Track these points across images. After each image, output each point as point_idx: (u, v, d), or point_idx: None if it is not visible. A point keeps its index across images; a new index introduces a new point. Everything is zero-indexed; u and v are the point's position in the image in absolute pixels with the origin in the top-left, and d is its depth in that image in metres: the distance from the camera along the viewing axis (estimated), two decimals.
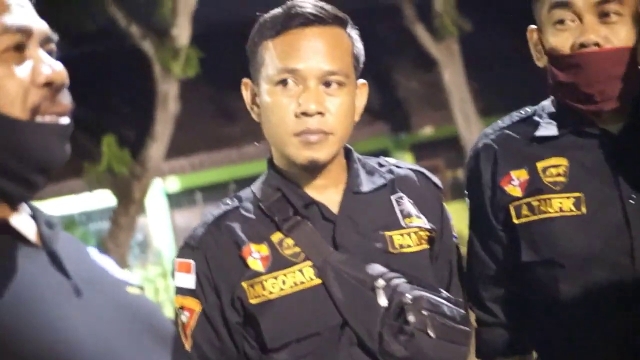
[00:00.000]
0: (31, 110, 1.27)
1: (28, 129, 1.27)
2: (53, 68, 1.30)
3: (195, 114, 13.62)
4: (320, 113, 1.87)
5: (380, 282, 1.87)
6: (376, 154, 2.30)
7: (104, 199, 11.85)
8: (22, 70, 1.28)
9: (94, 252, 1.44)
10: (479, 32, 13.77)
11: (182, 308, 1.94)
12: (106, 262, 1.44)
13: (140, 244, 14.34)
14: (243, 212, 1.95)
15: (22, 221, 1.32)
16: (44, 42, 1.33)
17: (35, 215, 1.36)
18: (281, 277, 1.89)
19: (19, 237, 1.29)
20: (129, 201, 10.77)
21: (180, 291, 1.94)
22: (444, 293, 1.93)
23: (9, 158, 1.27)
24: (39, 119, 1.28)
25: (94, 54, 14.13)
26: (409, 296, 1.86)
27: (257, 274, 1.89)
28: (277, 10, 1.94)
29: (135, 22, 10.76)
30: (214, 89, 14.12)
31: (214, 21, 13.21)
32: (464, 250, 2.15)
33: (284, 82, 1.89)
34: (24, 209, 1.35)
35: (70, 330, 1.25)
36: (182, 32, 10.61)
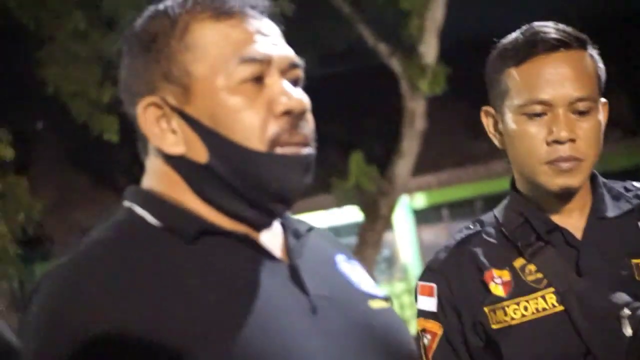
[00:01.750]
0: (270, 142, 1.29)
1: (267, 160, 1.29)
2: (292, 97, 1.31)
3: (442, 130, 13.59)
4: (571, 140, 1.84)
5: (626, 312, 1.81)
6: (632, 171, 2.22)
7: (352, 214, 12.03)
8: (261, 101, 1.29)
9: (341, 260, 1.44)
10: None
11: (424, 331, 1.95)
12: (353, 272, 1.43)
13: (386, 260, 14.45)
14: (485, 236, 1.95)
15: (269, 233, 1.35)
16: (287, 69, 1.33)
17: (285, 224, 1.38)
18: (523, 303, 1.87)
19: (262, 252, 1.32)
20: (376, 217, 10.89)
21: (423, 314, 1.96)
22: None
23: (249, 188, 1.30)
24: (278, 150, 1.29)
25: (343, 72, 14.41)
26: None
27: (499, 300, 1.88)
28: (518, 36, 1.91)
29: (382, 40, 10.89)
30: (462, 105, 14.04)
31: (461, 37, 13.15)
32: None
33: (533, 113, 1.87)
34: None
35: (302, 350, 1.26)
36: (430, 49, 10.62)
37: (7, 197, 9.97)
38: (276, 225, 1.37)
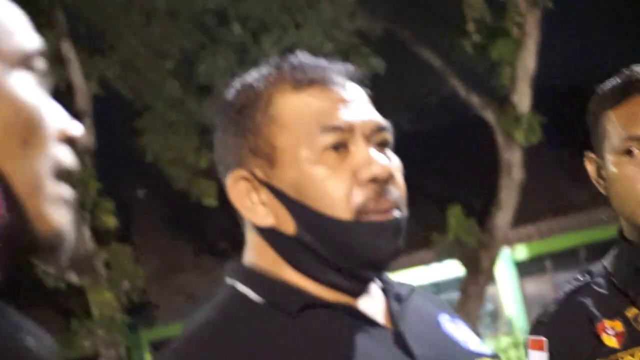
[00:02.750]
0: (356, 210, 1.27)
1: (353, 229, 1.27)
2: (377, 163, 1.29)
3: (540, 180, 13.42)
4: None
5: None
6: None
7: (453, 269, 11.91)
8: (345, 169, 1.29)
9: (445, 320, 1.42)
10: None
11: None
12: (458, 331, 1.41)
13: (490, 314, 14.24)
14: (595, 287, 1.91)
15: (371, 300, 1.34)
16: (372, 133, 1.32)
17: (385, 289, 1.37)
18: (638, 353, 1.82)
19: (366, 320, 1.31)
20: (478, 270, 10.75)
21: None
22: None
23: (338, 257, 1.29)
24: (364, 218, 1.28)
25: (436, 126, 14.39)
26: None
27: (613, 351, 1.84)
28: (615, 80, 1.90)
29: (475, 92, 10.85)
30: (558, 153, 13.88)
31: (554, 85, 13.02)
32: None
33: (629, 152, 1.83)
34: (375, 282, 1.36)
35: None
36: (523, 98, 10.53)
37: (112, 265, 10.16)
38: (377, 291, 1.36)
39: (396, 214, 1.29)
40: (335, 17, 9.10)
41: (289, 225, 1.30)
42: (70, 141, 0.83)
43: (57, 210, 0.81)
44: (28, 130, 0.79)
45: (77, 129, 0.84)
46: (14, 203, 0.77)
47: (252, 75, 1.36)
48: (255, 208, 1.31)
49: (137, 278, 10.37)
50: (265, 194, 1.31)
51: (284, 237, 1.30)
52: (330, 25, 9.04)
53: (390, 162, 1.31)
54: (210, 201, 9.81)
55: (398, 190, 1.31)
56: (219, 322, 1.29)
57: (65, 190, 0.83)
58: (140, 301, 11.37)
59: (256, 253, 1.35)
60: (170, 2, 9.12)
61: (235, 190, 1.32)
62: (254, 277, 1.32)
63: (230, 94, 1.37)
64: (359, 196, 1.27)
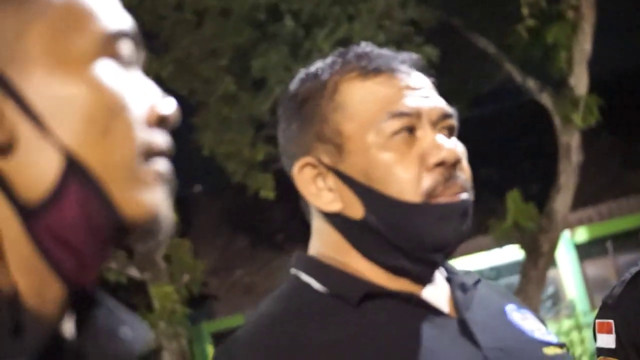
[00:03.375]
0: (425, 194, 1.29)
1: (423, 212, 1.28)
2: (445, 148, 1.30)
3: (599, 162, 13.28)
4: None
5: None
6: None
7: (513, 253, 11.84)
8: (413, 154, 1.30)
9: (511, 309, 1.42)
10: None
11: None
12: (525, 320, 1.41)
13: (552, 297, 14.14)
14: None
15: (434, 289, 1.35)
16: (438, 120, 1.33)
17: (450, 278, 1.38)
18: None
19: (429, 309, 1.31)
20: (538, 254, 10.66)
21: (602, 352, 1.93)
22: None
23: (406, 241, 1.30)
24: (433, 200, 1.29)
25: (493, 112, 14.30)
26: None
27: None
28: None
29: (530, 77, 10.74)
30: (616, 136, 13.72)
31: (612, 67, 12.85)
32: None
33: None
34: (440, 272, 1.37)
35: None
36: (580, 82, 10.40)
37: (172, 259, 10.26)
38: (441, 280, 1.37)
39: (464, 196, 1.30)
40: (387, 7, 9.06)
41: (356, 210, 1.31)
42: (162, 119, 0.83)
43: (149, 194, 0.81)
44: (109, 119, 0.79)
45: (167, 106, 0.84)
46: (97, 194, 0.78)
47: (315, 67, 1.38)
48: (321, 194, 1.33)
49: (196, 272, 10.46)
50: (332, 180, 1.32)
51: (352, 221, 1.31)
52: (383, 16, 9.01)
53: (457, 147, 1.32)
54: (267, 194, 9.85)
55: (464, 174, 1.31)
56: (284, 312, 1.30)
57: (159, 166, 0.83)
58: (200, 294, 11.47)
59: (321, 241, 1.36)
60: (223, 0, 9.16)
61: (301, 178, 1.34)
62: (317, 267, 1.34)
63: (293, 85, 1.39)
64: (428, 180, 1.28)
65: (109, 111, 0.79)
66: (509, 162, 13.95)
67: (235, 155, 9.77)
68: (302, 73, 1.39)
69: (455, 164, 1.29)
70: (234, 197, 11.49)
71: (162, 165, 0.83)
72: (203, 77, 9.65)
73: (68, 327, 0.82)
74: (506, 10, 10.00)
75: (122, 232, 0.80)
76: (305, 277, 1.33)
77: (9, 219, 0.77)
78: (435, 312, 1.30)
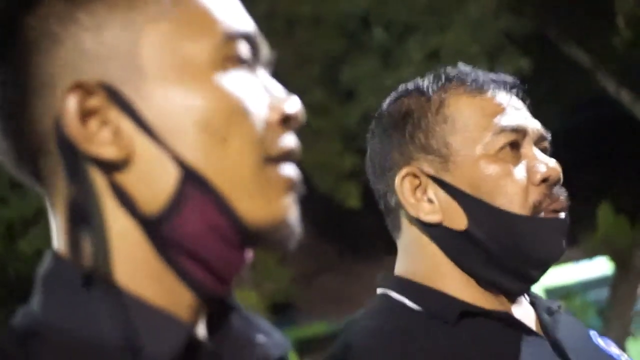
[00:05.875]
0: (532, 208, 1.31)
1: (531, 225, 1.30)
2: (549, 165, 1.34)
3: None
4: None
5: None
6: None
7: (602, 267, 11.65)
8: (520, 169, 1.33)
9: (594, 335, 1.43)
10: None
11: None
12: (609, 347, 1.42)
13: None
14: None
15: (522, 310, 1.37)
16: (538, 140, 1.37)
17: (534, 302, 1.40)
18: None
19: (523, 329, 1.32)
20: (629, 269, 10.48)
21: None
22: None
23: (507, 253, 1.31)
24: (540, 215, 1.31)
25: (586, 123, 14.09)
26: None
27: None
28: None
29: (625, 88, 10.56)
30: None
31: None
32: None
33: None
34: (524, 296, 1.39)
35: None
36: None
37: (257, 267, 10.31)
38: (525, 303, 1.39)
39: (563, 214, 1.32)
40: (481, 17, 8.96)
41: (459, 221, 1.32)
42: (287, 119, 0.81)
43: (275, 200, 0.80)
44: (228, 127, 0.78)
45: (292, 105, 0.82)
46: (217, 203, 0.77)
47: (417, 83, 1.41)
48: (421, 205, 1.34)
49: (282, 280, 10.50)
50: (433, 191, 1.34)
51: (453, 232, 1.32)
52: (476, 26, 8.91)
53: (558, 167, 1.35)
54: (354, 203, 9.85)
55: (564, 193, 1.34)
56: (393, 328, 1.29)
57: (286, 171, 0.81)
58: (284, 301, 11.51)
59: (412, 257, 1.37)
60: (315, 9, 9.16)
61: (402, 187, 1.36)
62: (409, 286, 1.35)
63: (391, 101, 1.42)
64: (535, 194, 1.30)
65: (228, 119, 0.78)
66: (602, 173, 13.72)
67: (323, 165, 9.78)
68: (398, 91, 1.42)
69: (557, 181, 1.32)
70: (322, 205, 11.52)
71: (288, 170, 0.81)
72: (293, 86, 9.64)
73: (204, 332, 0.83)
74: (602, 21, 9.84)
75: (252, 240, 0.79)
76: (397, 296, 1.33)
77: (132, 230, 0.78)
78: (528, 331, 1.31)
